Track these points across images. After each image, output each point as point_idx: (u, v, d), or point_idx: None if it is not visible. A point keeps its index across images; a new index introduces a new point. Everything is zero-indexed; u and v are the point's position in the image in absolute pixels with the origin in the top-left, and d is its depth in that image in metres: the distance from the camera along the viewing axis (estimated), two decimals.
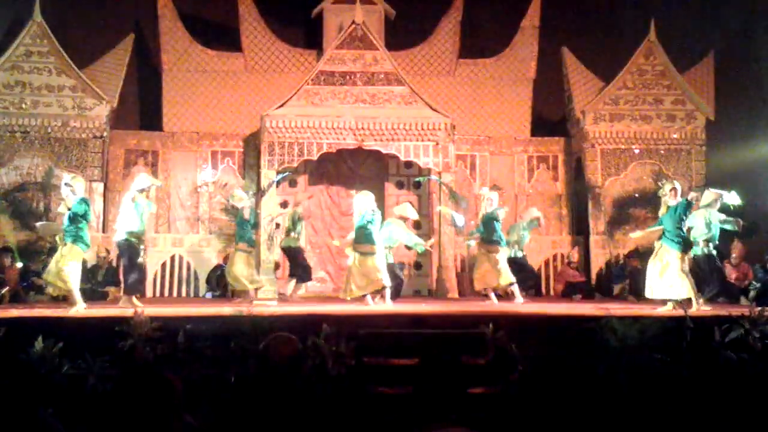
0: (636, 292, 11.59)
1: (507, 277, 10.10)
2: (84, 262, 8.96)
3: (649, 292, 8.64)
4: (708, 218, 9.44)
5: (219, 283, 12.34)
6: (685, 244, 8.63)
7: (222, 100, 13.27)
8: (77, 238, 8.30)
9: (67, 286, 8.27)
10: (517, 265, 10.82)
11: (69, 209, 8.43)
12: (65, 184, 8.55)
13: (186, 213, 12.83)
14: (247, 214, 10.39)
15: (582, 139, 12.90)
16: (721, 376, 5.65)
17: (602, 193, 12.75)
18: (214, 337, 6.04)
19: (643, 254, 12.04)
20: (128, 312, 6.57)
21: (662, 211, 8.80)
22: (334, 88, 12.21)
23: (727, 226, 9.50)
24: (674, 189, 8.79)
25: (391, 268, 9.86)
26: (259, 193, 12.03)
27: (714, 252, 9.44)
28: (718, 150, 12.77)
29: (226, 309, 6.97)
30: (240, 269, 10.25)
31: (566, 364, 5.72)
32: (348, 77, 12.27)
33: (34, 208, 11.73)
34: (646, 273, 8.77)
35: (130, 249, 9.18)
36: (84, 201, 8.46)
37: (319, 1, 13.49)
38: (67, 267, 8.22)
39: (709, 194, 9.72)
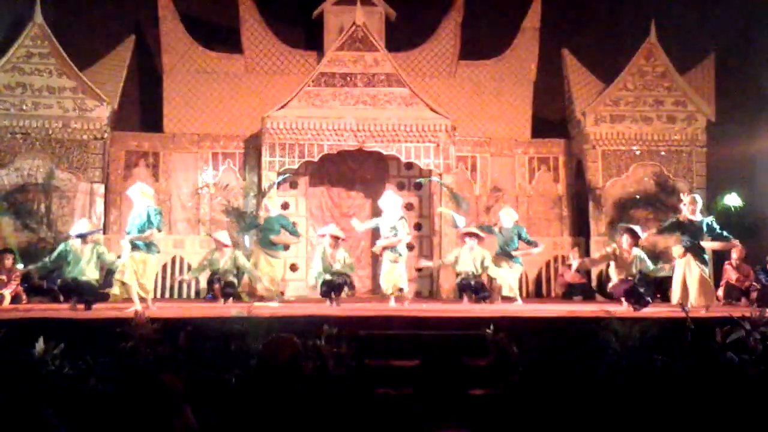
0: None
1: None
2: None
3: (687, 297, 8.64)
4: None
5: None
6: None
7: (223, 102, 13.27)
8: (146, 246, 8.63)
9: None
10: None
11: None
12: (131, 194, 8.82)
13: (187, 214, 12.83)
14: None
15: (583, 140, 12.89)
16: (721, 378, 5.65)
17: (603, 194, 12.73)
18: (215, 338, 6.05)
19: None
20: (129, 313, 6.58)
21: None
22: (335, 90, 12.22)
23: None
24: (694, 202, 8.77)
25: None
26: (260, 194, 12.03)
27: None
28: (719, 151, 12.76)
29: (233, 311, 6.97)
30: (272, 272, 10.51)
31: (567, 365, 5.72)
32: (349, 78, 12.28)
33: (34, 210, 11.73)
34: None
35: None
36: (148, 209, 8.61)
37: (319, 2, 13.50)
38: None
39: None
